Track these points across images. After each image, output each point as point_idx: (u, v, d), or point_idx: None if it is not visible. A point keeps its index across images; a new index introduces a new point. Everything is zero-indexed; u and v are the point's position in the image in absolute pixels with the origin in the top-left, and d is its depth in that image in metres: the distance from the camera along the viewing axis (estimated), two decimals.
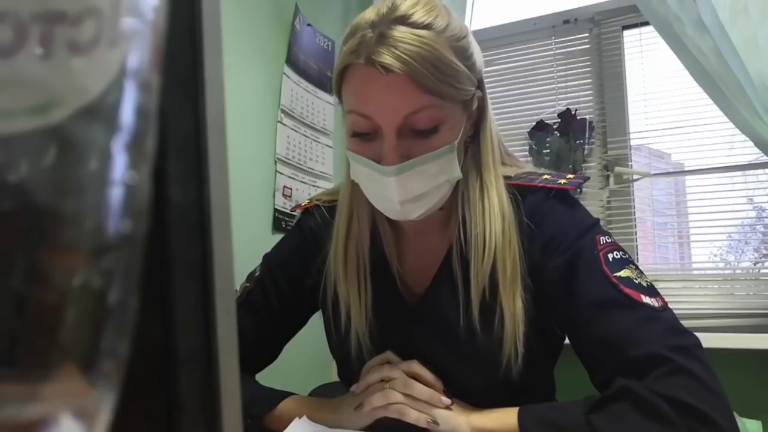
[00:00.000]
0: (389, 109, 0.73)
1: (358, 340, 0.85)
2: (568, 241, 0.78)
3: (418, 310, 0.85)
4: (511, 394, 0.79)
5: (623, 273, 0.74)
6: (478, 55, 0.81)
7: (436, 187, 0.77)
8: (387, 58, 0.70)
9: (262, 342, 0.94)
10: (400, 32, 0.72)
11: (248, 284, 0.96)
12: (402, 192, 0.75)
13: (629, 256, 0.78)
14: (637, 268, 0.76)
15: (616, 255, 0.76)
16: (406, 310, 0.86)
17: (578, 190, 1.80)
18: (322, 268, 0.90)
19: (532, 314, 0.78)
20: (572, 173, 0.90)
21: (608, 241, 0.78)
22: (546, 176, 0.84)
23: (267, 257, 0.99)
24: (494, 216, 0.79)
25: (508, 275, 0.77)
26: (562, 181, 0.83)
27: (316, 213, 0.95)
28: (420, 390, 0.77)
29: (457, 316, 0.80)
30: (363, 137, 0.77)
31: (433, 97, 0.73)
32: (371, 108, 0.74)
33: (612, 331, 0.72)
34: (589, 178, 1.08)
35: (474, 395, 0.79)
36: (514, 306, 0.77)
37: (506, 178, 0.83)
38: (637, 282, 0.74)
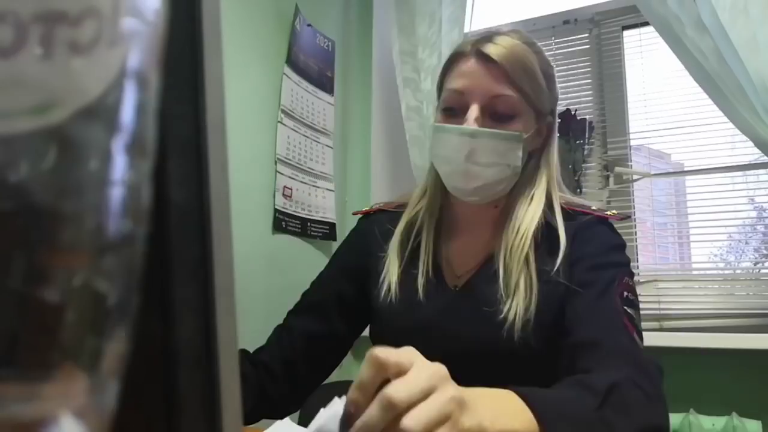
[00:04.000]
0: (480, 87, 0.88)
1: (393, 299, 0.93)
2: (597, 265, 0.85)
3: (460, 292, 0.92)
4: (524, 373, 0.82)
5: (629, 310, 0.81)
6: (557, 91, 0.96)
7: (498, 168, 0.87)
8: (491, 49, 0.87)
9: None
10: (503, 38, 0.89)
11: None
12: (470, 154, 0.86)
13: (638, 303, 0.85)
14: (639, 314, 0.83)
15: (630, 296, 0.83)
16: (448, 292, 0.93)
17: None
18: (376, 266, 0.97)
19: (554, 304, 0.84)
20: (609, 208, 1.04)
21: (629, 283, 0.85)
22: (594, 207, 0.96)
23: (328, 263, 1.07)
24: (537, 215, 0.89)
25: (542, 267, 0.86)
26: (609, 213, 0.95)
27: (376, 219, 1.04)
28: None
29: (494, 301, 0.87)
30: (450, 112, 0.90)
31: (518, 92, 0.87)
32: (465, 84, 0.89)
33: (594, 335, 0.78)
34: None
35: (488, 369, 0.81)
36: (537, 284, 0.85)
37: (563, 200, 0.93)
38: (635, 323, 0.80)
